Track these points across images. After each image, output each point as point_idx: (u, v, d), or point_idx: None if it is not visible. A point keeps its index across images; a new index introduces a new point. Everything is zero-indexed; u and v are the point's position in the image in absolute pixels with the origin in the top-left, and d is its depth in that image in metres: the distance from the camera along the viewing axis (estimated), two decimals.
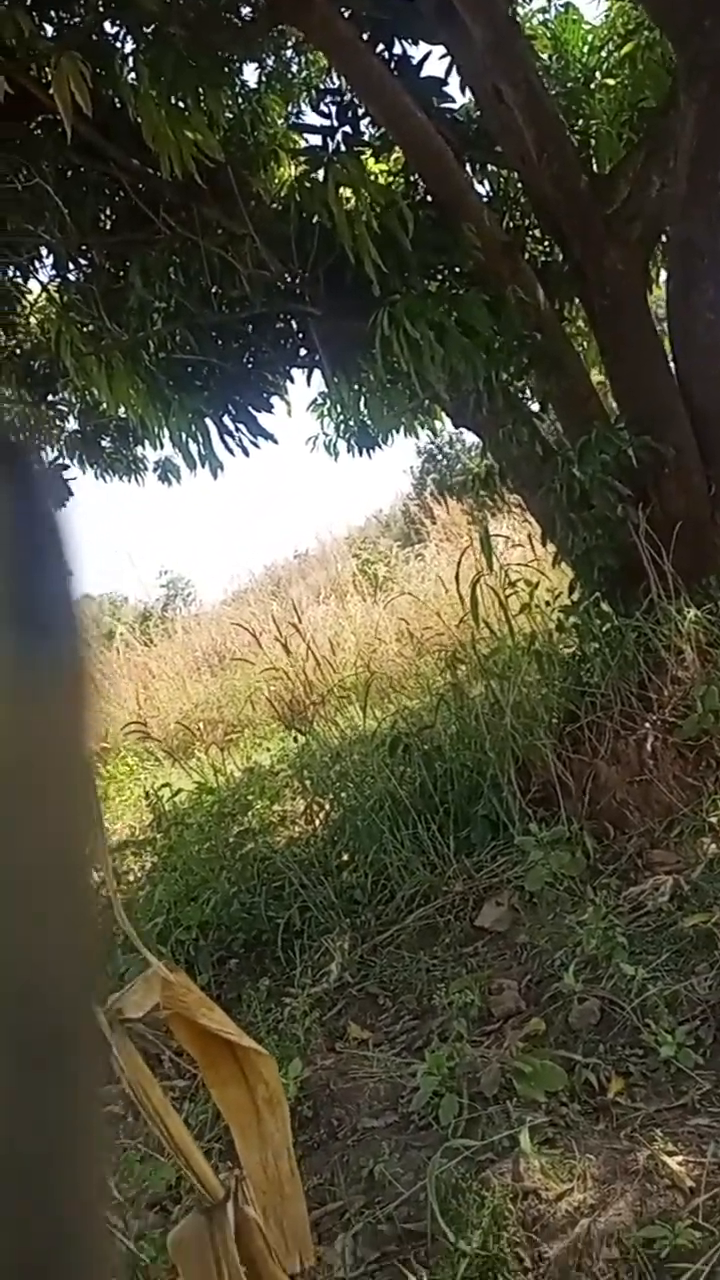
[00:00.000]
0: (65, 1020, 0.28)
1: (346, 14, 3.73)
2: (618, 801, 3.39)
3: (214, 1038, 0.88)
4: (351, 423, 5.36)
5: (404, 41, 4.06)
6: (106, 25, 3.71)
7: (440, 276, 4.16)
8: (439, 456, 16.54)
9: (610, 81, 4.57)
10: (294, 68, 4.87)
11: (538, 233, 4.77)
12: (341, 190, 3.55)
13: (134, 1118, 2.41)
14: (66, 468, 6.05)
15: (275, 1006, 3.08)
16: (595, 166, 4.52)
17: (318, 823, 4.26)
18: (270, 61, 4.66)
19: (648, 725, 3.45)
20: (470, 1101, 2.31)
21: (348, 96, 3.75)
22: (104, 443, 6.02)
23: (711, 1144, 1.98)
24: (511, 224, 4.74)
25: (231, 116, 4.24)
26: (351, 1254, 2.00)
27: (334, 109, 3.69)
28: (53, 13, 3.62)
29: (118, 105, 3.71)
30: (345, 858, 3.86)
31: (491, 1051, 2.49)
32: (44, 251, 4.48)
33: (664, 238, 4.32)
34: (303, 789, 4.55)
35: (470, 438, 14.33)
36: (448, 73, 4.16)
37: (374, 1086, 2.55)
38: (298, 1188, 0.85)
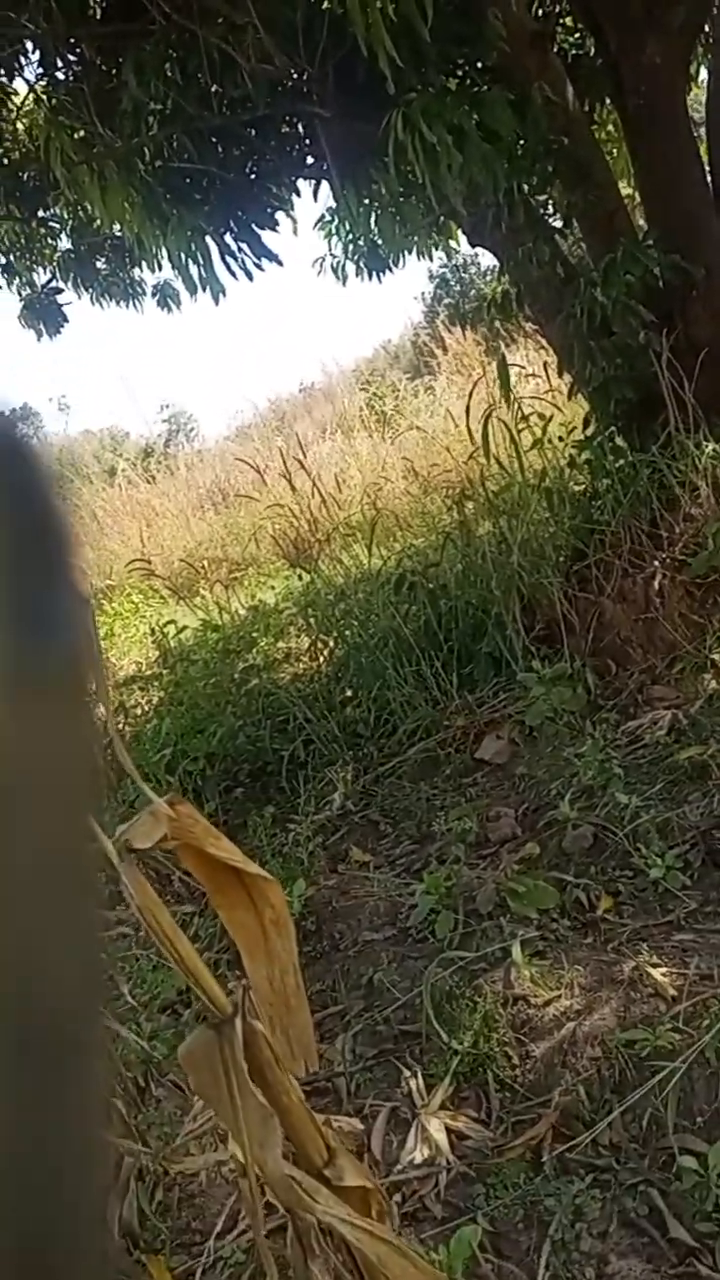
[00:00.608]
0: (66, 1021, 0.28)
1: None
2: (621, 639, 3.40)
3: (221, 865, 0.90)
4: (361, 242, 5.03)
5: None
6: None
7: (461, 73, 3.80)
8: (452, 281, 15.69)
9: None
10: None
11: (569, 21, 4.32)
12: None
13: (146, 931, 2.56)
14: (60, 291, 5.75)
15: (280, 832, 3.21)
16: None
17: (322, 660, 4.31)
18: None
19: (656, 563, 3.41)
20: (465, 918, 2.44)
21: None
22: (99, 264, 5.69)
23: (695, 957, 2.09)
24: (541, 11, 4.28)
25: None
26: (351, 1051, 2.16)
27: None
28: None
29: None
30: (349, 693, 3.93)
31: (487, 873, 2.61)
32: (29, 46, 4.07)
33: (708, 28, 3.90)
34: (307, 627, 4.58)
35: (487, 260, 13.55)
36: None
37: (374, 904, 2.69)
38: (303, 1001, 0.90)
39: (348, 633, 4.18)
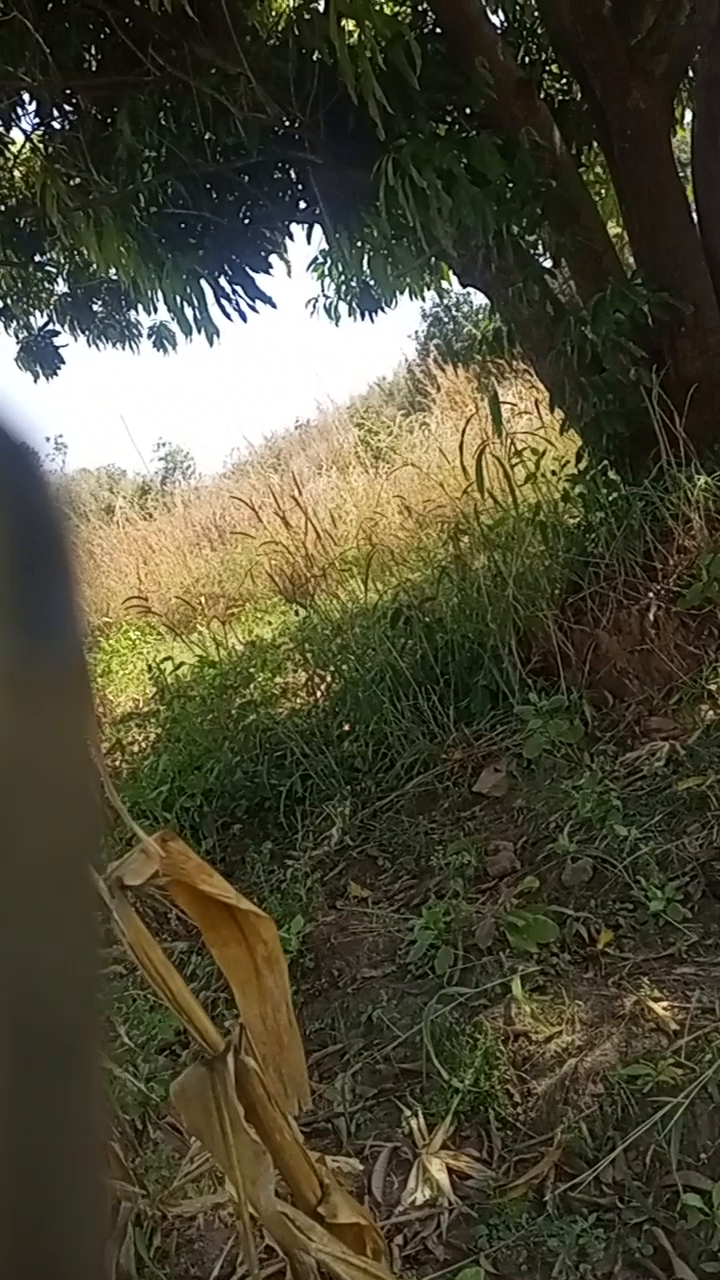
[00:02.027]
0: (66, 1022, 0.28)
1: None
2: (618, 671, 3.41)
3: (213, 901, 0.90)
4: (354, 283, 5.11)
5: None
6: None
7: (449, 119, 3.89)
8: (445, 320, 15.91)
9: None
10: None
11: (555, 68, 4.43)
12: (344, 22, 3.26)
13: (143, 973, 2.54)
14: (57, 334, 5.84)
15: (278, 868, 3.20)
16: None
17: (319, 694, 4.31)
18: None
19: (651, 595, 3.43)
20: (465, 953, 2.42)
21: None
22: (95, 307, 5.78)
23: (697, 991, 2.08)
24: (527, 58, 4.39)
25: None
26: (350, 1091, 2.14)
27: None
28: None
29: None
30: (346, 728, 3.93)
31: (486, 907, 2.59)
32: (26, 97, 4.17)
33: (691, 73, 4.00)
34: (304, 662, 4.59)
35: (478, 299, 13.75)
36: None
37: (373, 940, 2.67)
38: (296, 1038, 0.89)
39: (344, 667, 4.19)
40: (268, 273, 4.33)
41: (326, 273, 5.09)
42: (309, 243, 4.73)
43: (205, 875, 0.86)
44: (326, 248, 4.73)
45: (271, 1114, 0.81)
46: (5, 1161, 0.26)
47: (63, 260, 5.38)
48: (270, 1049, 0.85)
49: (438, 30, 3.82)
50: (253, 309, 4.30)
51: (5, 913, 0.26)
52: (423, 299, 5.43)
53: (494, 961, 2.36)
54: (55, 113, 4.23)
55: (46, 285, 5.66)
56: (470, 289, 4.59)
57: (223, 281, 4.20)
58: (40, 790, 0.27)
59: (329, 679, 4.29)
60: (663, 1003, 2.07)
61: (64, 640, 0.28)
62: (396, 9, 4.00)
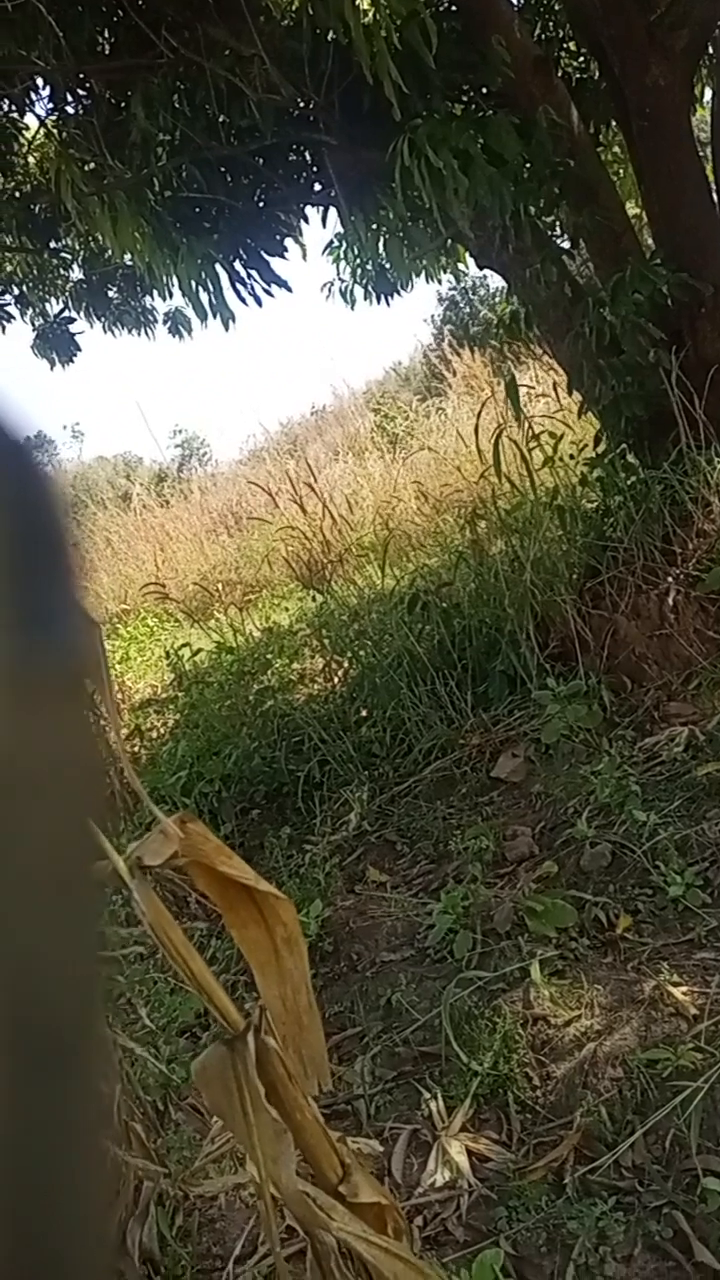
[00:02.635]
0: (66, 1022, 0.28)
1: None
2: (636, 656, 3.39)
3: (232, 883, 0.90)
4: (369, 266, 5.08)
5: None
6: None
7: (466, 98, 3.85)
8: (461, 303, 15.80)
9: None
10: None
11: (572, 45, 4.37)
12: (358, 0, 3.22)
13: (164, 955, 2.55)
14: (73, 321, 5.84)
15: (297, 853, 3.21)
16: None
17: (336, 680, 4.32)
18: None
19: (670, 579, 3.40)
20: (484, 937, 2.42)
21: None
22: (111, 293, 5.78)
23: (716, 975, 2.07)
24: (544, 35, 4.33)
25: None
26: (370, 1073, 2.15)
27: None
28: None
29: None
30: (364, 713, 3.93)
31: (505, 892, 2.59)
32: (40, 82, 4.15)
33: (711, 49, 3.94)
34: (321, 648, 4.59)
35: (494, 281, 13.65)
36: None
37: (391, 924, 2.68)
38: (316, 1019, 0.89)
39: (362, 653, 4.19)
40: (283, 256, 4.31)
41: (342, 256, 5.06)
42: (324, 226, 4.71)
43: (224, 857, 0.86)
44: (342, 230, 4.70)
45: (292, 1093, 0.81)
46: (5, 1161, 0.26)
47: (78, 246, 5.37)
48: (290, 1030, 0.86)
49: (453, 8, 3.77)
50: (268, 293, 4.29)
51: (5, 913, 0.26)
52: (439, 282, 5.39)
53: (512, 946, 2.36)
54: (69, 97, 4.22)
55: (62, 271, 5.66)
56: (487, 271, 4.55)
57: (238, 266, 4.18)
58: (40, 790, 0.27)
59: (346, 665, 4.29)
60: (682, 987, 2.06)
61: (64, 640, 0.28)
62: None
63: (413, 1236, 1.63)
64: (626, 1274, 1.55)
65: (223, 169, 4.08)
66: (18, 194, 5.03)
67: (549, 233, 4.01)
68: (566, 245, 4.05)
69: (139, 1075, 1.94)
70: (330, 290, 5.27)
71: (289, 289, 4.39)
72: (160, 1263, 1.72)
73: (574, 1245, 1.59)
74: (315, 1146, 0.84)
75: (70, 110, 4.27)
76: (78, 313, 5.69)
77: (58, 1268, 0.28)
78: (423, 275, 5.12)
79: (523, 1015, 2.12)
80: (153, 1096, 1.95)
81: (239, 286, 4.20)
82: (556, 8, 4.26)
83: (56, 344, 5.82)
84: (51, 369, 5.92)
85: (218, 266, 4.09)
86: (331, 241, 5.08)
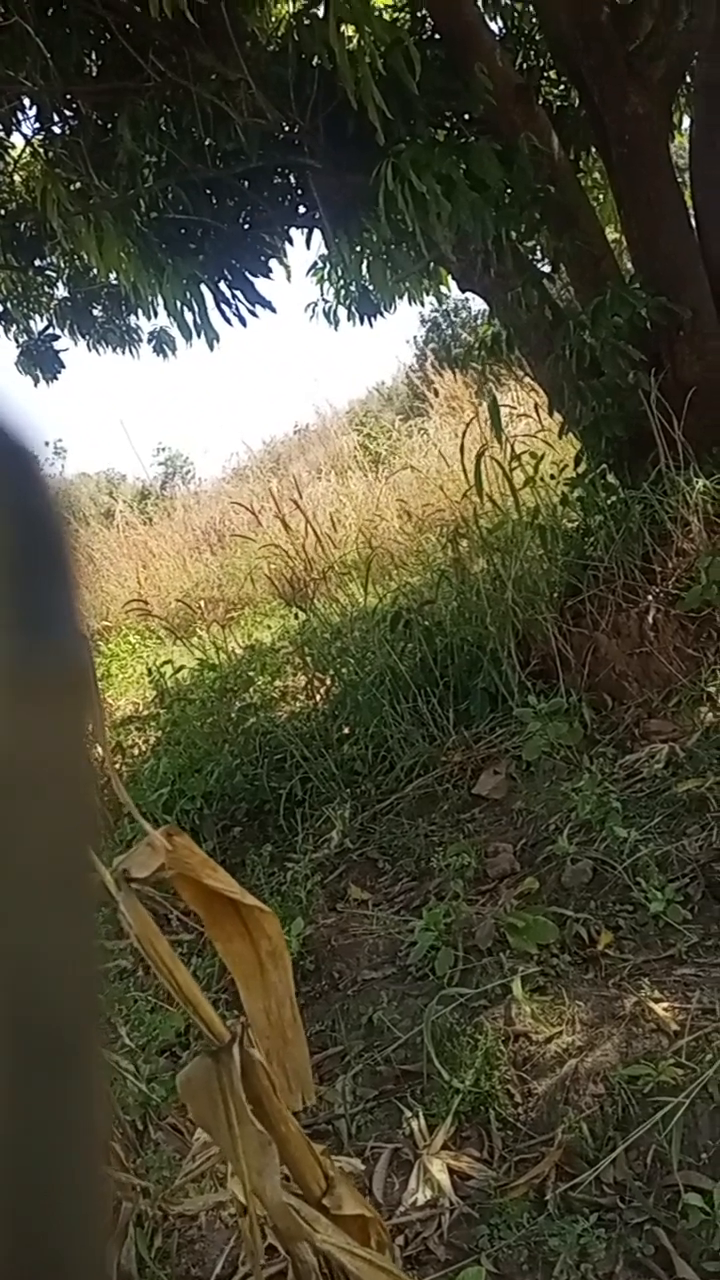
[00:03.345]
0: (66, 1022, 0.28)
1: None
2: (617, 673, 3.42)
3: (218, 896, 0.91)
4: (353, 288, 5.12)
5: None
6: None
7: (449, 124, 3.91)
8: (443, 325, 15.94)
9: None
10: None
11: (553, 74, 4.45)
12: (343, 27, 3.27)
13: (144, 972, 2.54)
14: (57, 338, 5.85)
15: (278, 870, 3.20)
16: None
17: (319, 698, 4.32)
18: None
19: (650, 598, 3.44)
20: (465, 954, 2.42)
21: None
22: (96, 312, 5.79)
23: (697, 991, 2.08)
24: (526, 64, 4.41)
25: None
26: (351, 1092, 2.14)
27: None
28: None
29: None
30: (346, 731, 3.93)
31: (486, 909, 2.60)
32: (26, 102, 4.18)
33: (689, 78, 4.02)
34: (304, 665, 4.59)
35: (476, 304, 13.79)
36: None
37: (373, 942, 2.67)
38: (300, 1033, 0.90)
39: (344, 671, 4.20)
40: (267, 277, 4.35)
41: (326, 277, 5.11)
42: (308, 247, 4.76)
43: (210, 870, 0.87)
44: (326, 252, 4.75)
45: (276, 1106, 0.81)
46: (5, 1161, 0.26)
47: (63, 265, 5.39)
48: (274, 1043, 0.86)
49: (436, 36, 3.84)
50: (252, 314, 4.32)
51: (5, 913, 0.26)
52: (421, 304, 5.44)
53: (494, 962, 2.37)
54: (56, 117, 4.25)
55: (47, 289, 5.67)
56: (469, 294, 4.60)
57: (223, 286, 4.22)
58: (40, 790, 0.28)
59: (329, 682, 4.30)
60: (663, 1003, 2.07)
61: (64, 641, 0.29)
62: (395, 15, 4.02)
63: (395, 1256, 1.62)
64: None
65: (208, 191, 4.12)
66: (3, 212, 5.05)
67: (530, 257, 4.07)
68: (547, 269, 4.11)
69: (118, 1094, 1.93)
70: (314, 311, 5.31)
71: (273, 309, 4.43)
72: None
73: (555, 1263, 1.59)
74: (299, 1159, 0.84)
75: (57, 130, 4.30)
76: (62, 330, 5.71)
77: (58, 1268, 0.28)
78: (405, 297, 5.18)
79: (504, 1032, 2.12)
80: (132, 1115, 1.94)
81: (224, 306, 4.23)
82: (537, 37, 4.34)
83: (40, 361, 5.83)
84: (35, 386, 5.92)
85: (203, 287, 4.12)
86: (315, 263, 5.13)
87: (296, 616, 5.44)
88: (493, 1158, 1.86)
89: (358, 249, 4.18)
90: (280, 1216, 0.79)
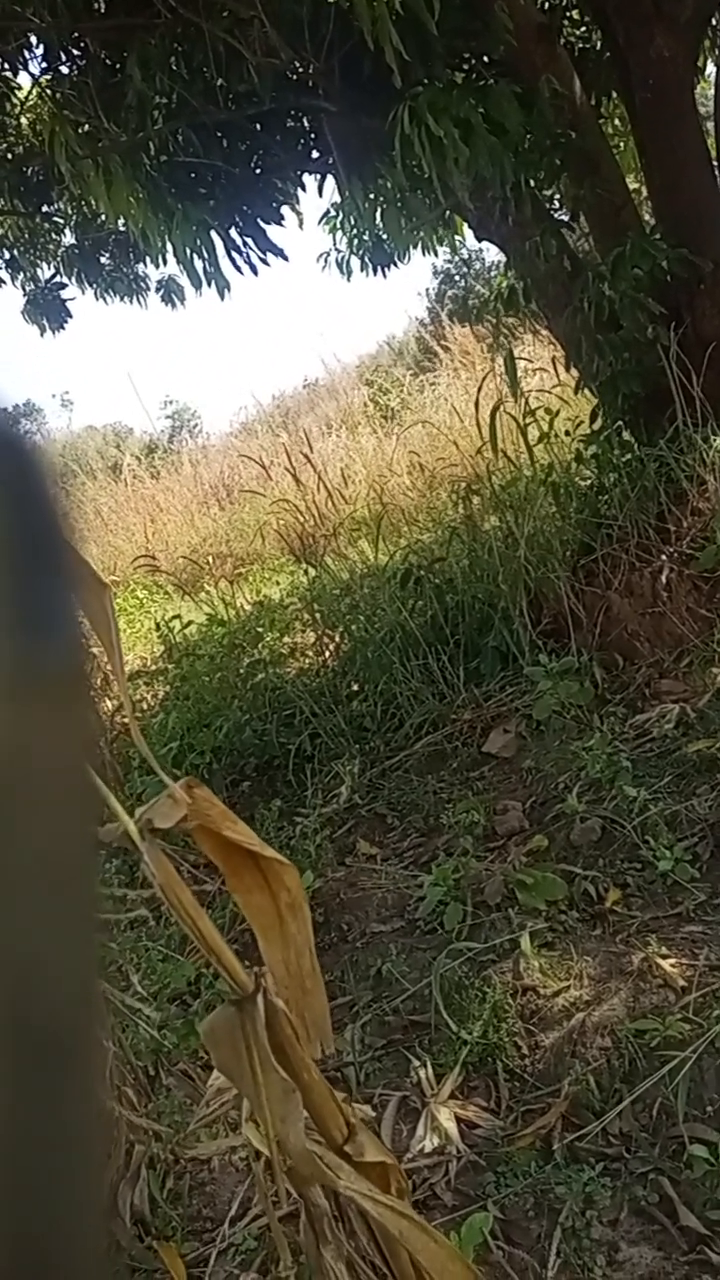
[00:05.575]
0: (65, 1023, 0.28)
1: None
2: (629, 633, 3.40)
3: (237, 848, 0.91)
4: (366, 236, 5.02)
5: None
6: None
7: (467, 66, 3.79)
8: (457, 277, 15.67)
9: None
10: None
11: (576, 13, 4.31)
12: None
13: (157, 921, 2.57)
14: (64, 287, 5.76)
15: (287, 825, 3.22)
16: None
17: (328, 654, 4.31)
18: None
19: (664, 557, 3.41)
20: (474, 909, 2.44)
21: None
22: (103, 259, 5.70)
23: (704, 948, 2.10)
24: (548, 4, 4.27)
25: None
26: (360, 1041, 2.17)
27: None
28: None
29: None
30: (355, 688, 3.93)
31: (495, 865, 2.61)
32: (33, 40, 4.07)
33: (717, 21, 3.89)
34: (313, 622, 4.58)
35: (491, 256, 13.53)
36: None
37: (382, 896, 2.69)
38: (319, 983, 0.90)
39: (354, 627, 4.18)
40: (279, 224, 4.26)
41: (339, 225, 5.00)
42: (321, 194, 4.65)
43: (230, 822, 0.86)
44: (339, 200, 4.64)
45: (299, 1054, 0.82)
46: (4, 1162, 0.26)
47: (70, 210, 5.29)
48: (294, 993, 0.86)
49: None
50: (264, 261, 4.24)
51: (4, 913, 0.26)
52: (435, 254, 5.33)
53: (502, 918, 2.38)
54: (63, 57, 4.14)
55: (54, 236, 5.58)
56: (483, 245, 4.51)
57: (233, 233, 4.13)
58: (40, 790, 0.27)
59: (338, 639, 4.29)
60: (670, 960, 2.09)
61: (64, 640, 0.28)
62: None
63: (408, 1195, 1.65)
64: (613, 1237, 1.58)
65: (219, 134, 4.02)
66: (10, 156, 4.94)
67: (548, 205, 3.97)
68: (566, 218, 4.01)
69: (130, 1040, 1.96)
70: (326, 261, 5.21)
71: (285, 257, 4.34)
72: (151, 1224, 1.74)
73: (561, 1210, 1.62)
74: (321, 1106, 0.85)
75: (65, 70, 4.19)
76: (69, 279, 5.61)
77: (57, 1268, 0.28)
78: (420, 246, 5.07)
79: (512, 986, 2.14)
80: (144, 1061, 1.97)
81: (234, 254, 4.15)
82: None
83: (47, 310, 5.75)
84: (42, 335, 5.85)
85: (213, 233, 4.04)
86: (328, 211, 5.02)
87: (306, 573, 5.42)
88: (500, 1108, 1.89)
89: (372, 196, 4.08)
90: (304, 1163, 0.80)
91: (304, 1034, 0.85)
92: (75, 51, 4.09)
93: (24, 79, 4.59)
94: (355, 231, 4.99)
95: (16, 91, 4.71)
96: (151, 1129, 1.76)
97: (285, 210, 4.36)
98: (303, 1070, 0.81)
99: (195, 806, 0.85)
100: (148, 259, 5.07)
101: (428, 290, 16.15)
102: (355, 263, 5.17)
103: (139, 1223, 1.72)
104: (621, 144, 4.57)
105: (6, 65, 4.45)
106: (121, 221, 4.24)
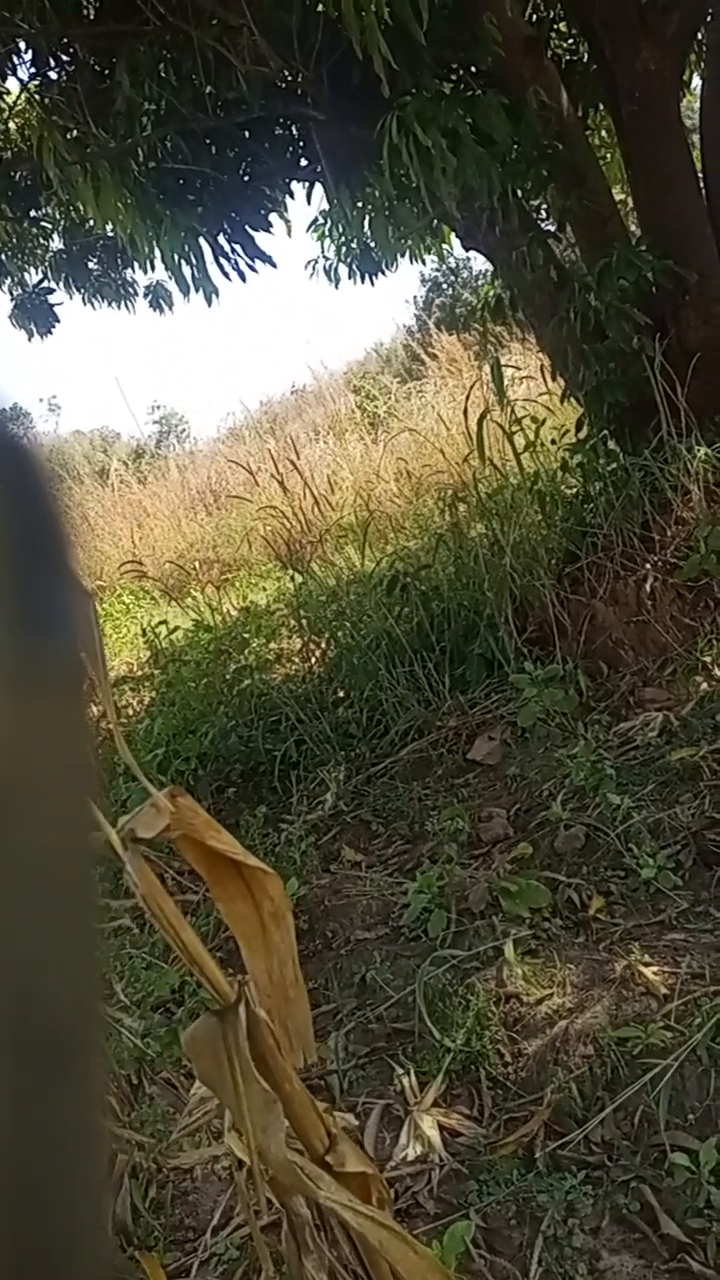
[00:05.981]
0: (65, 1023, 0.28)
1: None
2: (613, 641, 3.42)
3: (220, 857, 0.91)
4: (354, 244, 5.04)
5: None
6: None
7: (455, 77, 3.81)
8: (444, 285, 15.73)
9: None
10: None
11: (564, 26, 4.35)
12: None
13: (140, 930, 2.56)
14: (52, 291, 5.75)
15: (272, 832, 3.21)
16: None
17: (314, 661, 4.31)
18: None
19: (648, 566, 3.43)
20: (458, 916, 2.44)
21: None
22: (91, 264, 5.69)
23: (686, 956, 2.11)
24: (536, 16, 4.30)
25: None
26: (343, 1049, 2.16)
27: None
28: None
29: None
30: (341, 694, 3.93)
31: (480, 872, 2.62)
32: (22, 45, 4.07)
33: (702, 35, 3.93)
34: (299, 628, 4.58)
35: (479, 265, 13.59)
36: None
37: (366, 903, 2.69)
38: (302, 993, 0.90)
39: (340, 634, 4.19)
40: (267, 231, 4.27)
41: (327, 233, 5.02)
42: (309, 202, 4.68)
43: (213, 831, 0.86)
44: (327, 207, 4.66)
45: (280, 1064, 0.82)
46: (4, 1162, 0.26)
47: (58, 215, 5.29)
48: (276, 1003, 0.86)
49: None
50: (251, 268, 4.25)
51: (4, 913, 0.26)
52: (423, 262, 5.35)
53: (486, 925, 2.39)
54: (52, 62, 4.14)
55: (42, 241, 5.57)
56: (471, 254, 4.53)
57: (222, 240, 4.14)
58: (40, 790, 0.27)
59: (324, 645, 4.29)
60: (653, 967, 2.10)
61: (64, 640, 0.28)
62: None
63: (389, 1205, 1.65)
64: (594, 1245, 1.58)
65: (208, 141, 4.03)
66: None
67: (535, 215, 4.00)
68: (553, 229, 4.04)
69: (114, 1049, 1.95)
70: (314, 268, 5.23)
71: (273, 264, 4.35)
72: (133, 1233, 1.74)
73: (543, 1218, 1.62)
74: (303, 1116, 0.85)
75: (54, 76, 4.19)
76: (57, 283, 5.61)
77: (56, 1270, 0.28)
78: (407, 255, 5.09)
79: (495, 993, 2.14)
80: (127, 1070, 1.96)
81: (222, 260, 4.16)
82: None
83: (35, 315, 5.74)
84: (29, 340, 5.83)
85: (201, 240, 4.05)
86: (316, 218, 5.04)
87: (292, 579, 5.41)
88: (483, 1115, 1.89)
89: (360, 204, 4.10)
90: (284, 1173, 0.80)
91: (286, 1044, 0.85)
92: (64, 57, 4.09)
93: (12, 84, 4.58)
94: (343, 239, 5.00)
95: (5, 96, 4.71)
96: (134, 1138, 1.75)
97: (273, 217, 4.38)
98: (284, 1080, 0.81)
99: (179, 815, 0.85)
100: (136, 264, 5.08)
101: (415, 298, 16.21)
102: (343, 270, 5.19)
103: (121, 1232, 1.71)
104: (608, 155, 4.60)
105: None
106: (110, 227, 4.24)
